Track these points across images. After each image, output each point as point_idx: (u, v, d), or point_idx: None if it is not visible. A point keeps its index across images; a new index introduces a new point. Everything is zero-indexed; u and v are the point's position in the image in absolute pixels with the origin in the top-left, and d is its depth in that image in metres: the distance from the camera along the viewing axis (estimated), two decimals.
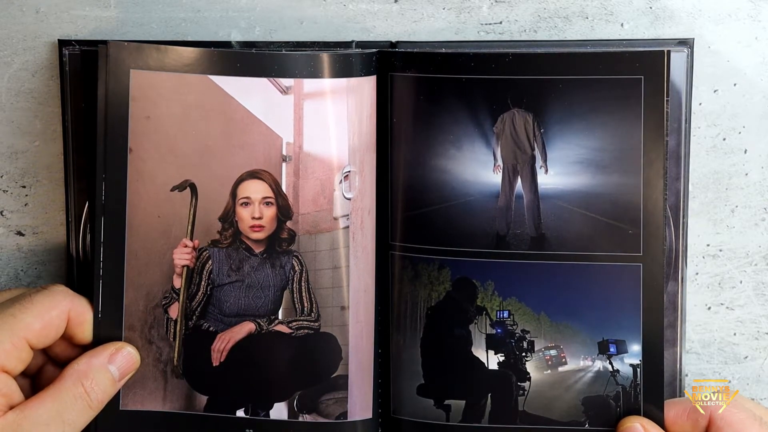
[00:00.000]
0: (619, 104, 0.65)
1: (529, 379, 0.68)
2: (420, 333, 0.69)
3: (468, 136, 0.67)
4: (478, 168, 0.67)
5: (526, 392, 0.68)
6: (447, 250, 0.68)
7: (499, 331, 0.68)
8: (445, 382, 0.69)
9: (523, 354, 0.68)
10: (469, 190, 0.67)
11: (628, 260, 0.66)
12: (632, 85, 0.65)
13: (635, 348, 0.66)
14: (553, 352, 0.68)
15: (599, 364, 0.67)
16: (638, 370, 0.66)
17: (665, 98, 0.65)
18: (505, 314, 0.68)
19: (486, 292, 0.68)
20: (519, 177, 0.67)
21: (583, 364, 0.67)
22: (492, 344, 0.68)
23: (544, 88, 0.66)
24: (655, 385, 0.66)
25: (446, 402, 0.69)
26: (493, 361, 0.68)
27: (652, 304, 0.66)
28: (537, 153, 0.67)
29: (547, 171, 0.67)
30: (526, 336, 0.68)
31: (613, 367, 0.67)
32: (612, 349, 0.66)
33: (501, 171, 0.67)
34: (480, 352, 0.68)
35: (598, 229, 0.66)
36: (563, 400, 0.68)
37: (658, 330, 0.66)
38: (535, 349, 0.68)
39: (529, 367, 0.68)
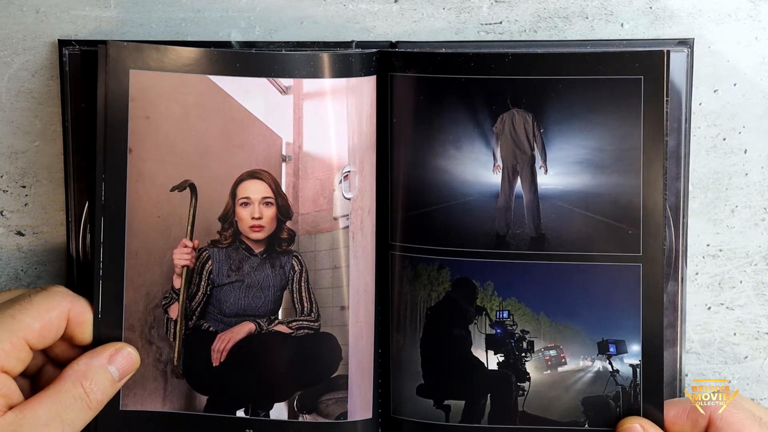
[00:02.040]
0: (619, 104, 0.65)
1: (529, 379, 0.68)
2: (420, 333, 0.69)
3: (468, 136, 0.67)
4: (477, 168, 0.67)
5: (525, 392, 0.68)
6: (446, 250, 0.68)
7: (498, 331, 0.68)
8: (445, 383, 0.69)
9: (523, 354, 0.68)
10: (469, 190, 0.67)
11: (628, 260, 0.66)
12: (632, 85, 0.64)
13: (635, 348, 0.66)
14: (552, 352, 0.68)
15: (599, 365, 0.67)
16: (638, 370, 0.66)
17: (665, 98, 0.64)
18: (505, 314, 0.68)
19: (485, 293, 0.68)
20: (519, 177, 0.67)
21: (582, 365, 0.67)
22: (492, 344, 0.68)
23: (543, 89, 0.66)
24: (655, 386, 0.66)
25: (446, 402, 0.69)
26: (492, 361, 0.68)
27: (652, 304, 0.66)
28: (537, 153, 0.67)
29: (546, 171, 0.67)
30: (526, 336, 0.68)
31: (612, 367, 0.67)
32: (612, 349, 0.66)
33: (501, 171, 0.67)
34: (480, 352, 0.68)
35: (598, 230, 0.66)
36: (563, 400, 0.67)
37: (658, 330, 0.66)
38: (535, 349, 0.68)
39: (529, 367, 0.68)
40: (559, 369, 0.68)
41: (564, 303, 0.67)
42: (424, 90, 0.67)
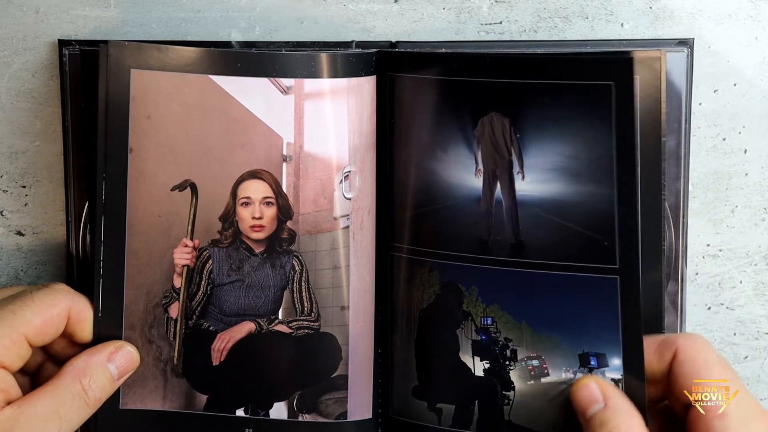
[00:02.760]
0: (591, 111, 0.63)
1: (514, 388, 0.66)
2: (414, 335, 0.68)
3: (453, 138, 0.66)
4: (461, 171, 0.66)
5: (511, 402, 0.66)
6: (435, 252, 0.67)
7: (483, 337, 0.67)
8: (436, 386, 0.68)
9: (507, 363, 0.66)
10: (454, 193, 0.66)
11: (604, 272, 0.63)
12: (603, 92, 0.62)
13: (616, 362, 0.63)
14: (535, 362, 0.66)
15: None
16: (620, 384, 0.63)
17: (636, 104, 0.62)
18: (489, 321, 0.66)
19: (471, 298, 0.67)
20: (498, 182, 0.66)
21: (565, 377, 0.65)
22: (477, 350, 0.67)
23: (519, 92, 0.64)
24: (638, 400, 0.62)
25: (438, 405, 0.68)
26: (479, 367, 0.67)
27: (631, 318, 0.63)
28: (514, 158, 0.65)
29: (524, 177, 0.65)
30: (509, 344, 0.66)
31: None
32: (593, 362, 0.64)
33: (482, 175, 0.66)
34: (467, 357, 0.67)
35: (574, 239, 0.64)
36: (548, 412, 0.65)
37: (638, 344, 0.63)
38: (518, 358, 0.66)
39: (513, 376, 0.66)
40: (543, 380, 0.66)
41: (545, 313, 0.65)
42: (417, 91, 0.67)
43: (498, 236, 0.66)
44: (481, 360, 0.67)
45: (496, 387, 0.67)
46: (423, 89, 0.66)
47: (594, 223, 0.63)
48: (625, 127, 0.62)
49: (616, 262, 0.63)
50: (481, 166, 0.66)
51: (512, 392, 0.66)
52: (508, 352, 0.66)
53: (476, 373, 0.67)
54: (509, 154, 0.65)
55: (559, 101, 0.63)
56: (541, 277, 0.65)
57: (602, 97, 0.62)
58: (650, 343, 0.63)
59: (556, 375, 0.65)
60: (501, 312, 0.66)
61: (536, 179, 0.65)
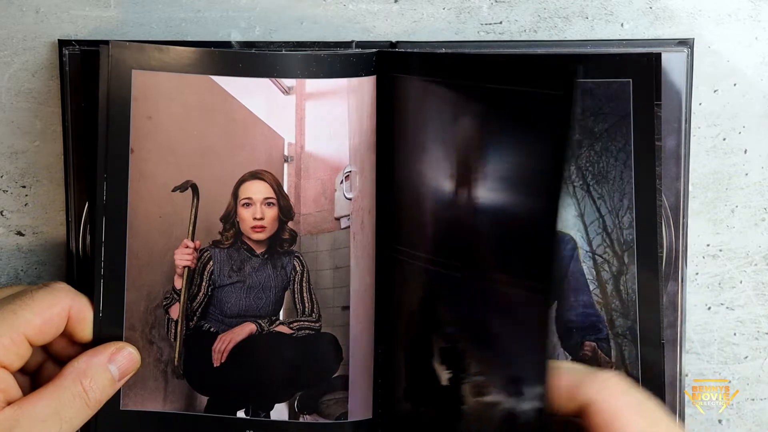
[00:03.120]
0: (543, 120, 0.59)
1: (465, 403, 0.64)
2: (404, 337, 0.68)
3: (432, 141, 0.65)
4: (438, 174, 0.65)
5: (463, 417, 0.65)
6: (420, 256, 0.67)
7: (449, 346, 0.66)
8: (416, 390, 0.68)
9: (462, 375, 0.65)
10: (432, 196, 0.66)
11: (534, 290, 0.59)
12: (554, 101, 0.58)
13: (538, 390, 0.58)
14: (479, 378, 0.63)
15: (513, 402, 0.60)
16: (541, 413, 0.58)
17: (575, 117, 0.60)
18: (452, 330, 0.65)
19: (441, 305, 0.66)
20: (466, 188, 0.64)
21: (500, 398, 0.61)
22: (444, 359, 0.66)
23: (485, 95, 0.62)
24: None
25: (421, 409, 0.68)
26: (444, 376, 0.66)
27: (542, 336, 0.59)
28: (477, 164, 0.63)
29: (483, 184, 0.63)
30: (465, 357, 0.64)
31: (522, 407, 0.60)
32: (515, 386, 0.60)
33: (454, 179, 0.65)
34: (437, 365, 0.66)
35: (515, 252, 0.60)
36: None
37: (543, 367, 0.57)
38: (471, 371, 0.64)
39: (465, 390, 0.64)
40: (485, 398, 0.63)
41: (491, 327, 0.63)
42: (409, 91, 0.66)
43: (464, 243, 0.64)
44: (446, 369, 0.66)
45: (453, 399, 0.65)
46: (415, 90, 0.66)
47: (530, 236, 0.59)
48: (568, 139, 0.57)
49: (541, 279, 0.59)
50: (453, 170, 0.65)
51: (464, 407, 0.64)
52: (464, 365, 0.65)
53: (441, 383, 0.66)
54: (474, 159, 0.63)
55: (516, 107, 0.60)
56: (490, 290, 0.62)
57: (554, 106, 0.58)
58: (562, 379, 0.57)
59: (494, 395, 0.62)
60: (461, 321, 0.65)
61: (492, 188, 0.62)
